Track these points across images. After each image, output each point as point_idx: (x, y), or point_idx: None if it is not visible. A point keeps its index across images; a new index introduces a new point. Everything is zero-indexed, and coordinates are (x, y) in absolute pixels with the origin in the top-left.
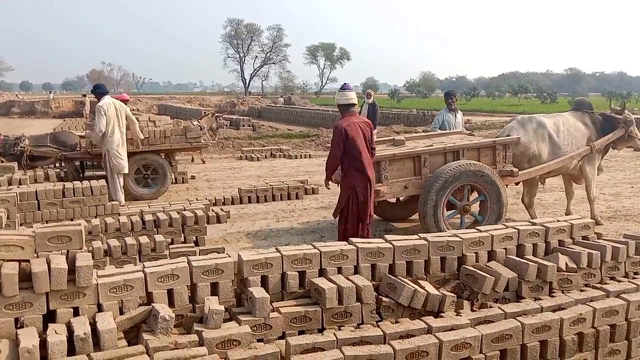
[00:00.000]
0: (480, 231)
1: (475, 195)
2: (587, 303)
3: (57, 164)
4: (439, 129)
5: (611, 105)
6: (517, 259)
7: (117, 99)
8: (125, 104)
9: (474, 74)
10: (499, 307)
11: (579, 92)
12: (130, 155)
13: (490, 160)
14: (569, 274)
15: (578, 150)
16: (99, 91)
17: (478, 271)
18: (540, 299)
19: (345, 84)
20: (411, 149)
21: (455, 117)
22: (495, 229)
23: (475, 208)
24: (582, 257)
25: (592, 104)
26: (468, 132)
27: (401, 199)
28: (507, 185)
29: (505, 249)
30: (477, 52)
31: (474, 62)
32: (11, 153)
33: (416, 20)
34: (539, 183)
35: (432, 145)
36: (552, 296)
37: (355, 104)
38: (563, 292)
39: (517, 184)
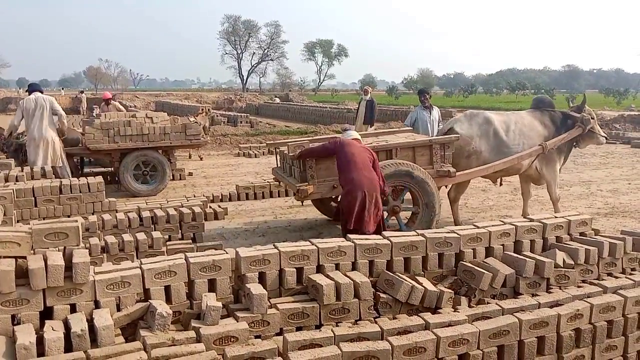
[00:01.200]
0: (478, 227)
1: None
2: (585, 299)
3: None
4: (412, 126)
5: (569, 102)
6: (515, 255)
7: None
8: (109, 102)
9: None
10: (496, 303)
11: (577, 89)
12: (129, 151)
13: (427, 160)
14: (566, 270)
15: (528, 150)
16: (29, 89)
17: (476, 267)
18: (538, 295)
19: (345, 129)
20: None
21: (430, 114)
22: (493, 225)
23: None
24: (580, 253)
25: (553, 101)
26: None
27: None
28: (446, 186)
29: (502, 245)
30: (474, 49)
31: (471, 58)
32: (12, 149)
33: (414, 17)
34: (497, 182)
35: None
36: (550, 292)
37: (358, 139)
38: (560, 288)
39: (497, 182)
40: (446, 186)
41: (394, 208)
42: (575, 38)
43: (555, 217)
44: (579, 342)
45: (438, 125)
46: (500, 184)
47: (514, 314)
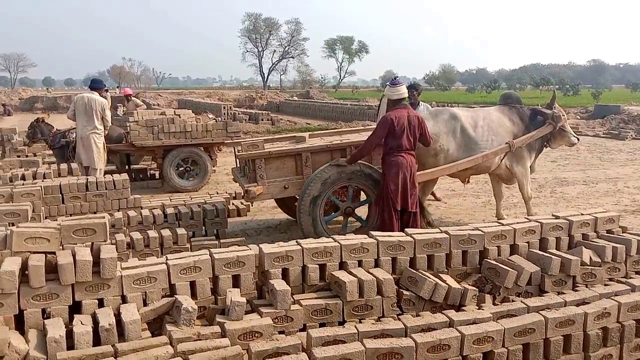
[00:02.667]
0: (503, 225)
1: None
2: (612, 297)
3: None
4: None
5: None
6: (540, 252)
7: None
8: (129, 99)
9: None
10: (521, 301)
11: (602, 84)
12: (172, 148)
13: None
14: (593, 268)
15: (494, 148)
16: (90, 85)
17: (500, 265)
18: (564, 293)
19: (395, 78)
20: (289, 147)
21: (417, 110)
22: (518, 223)
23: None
24: (607, 251)
25: (521, 97)
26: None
27: None
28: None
29: (527, 242)
30: (497, 44)
31: (494, 53)
32: (58, 147)
33: (436, 12)
34: (466, 181)
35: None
36: (576, 290)
37: (405, 98)
38: (587, 287)
39: (465, 181)
40: None
41: (346, 210)
42: (600, 32)
43: (582, 214)
44: (607, 341)
45: None
46: (468, 182)
47: (540, 312)
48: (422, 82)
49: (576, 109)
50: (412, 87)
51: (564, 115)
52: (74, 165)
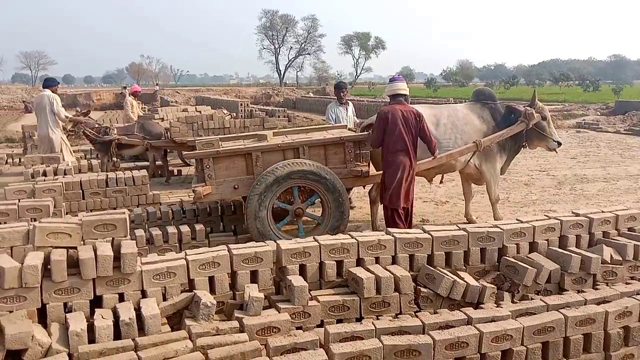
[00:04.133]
0: (522, 222)
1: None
2: (634, 296)
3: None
4: (335, 123)
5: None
6: (560, 250)
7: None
8: (136, 95)
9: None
10: (540, 299)
11: (623, 80)
12: None
13: (341, 160)
14: (613, 266)
15: (459, 147)
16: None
17: (519, 262)
18: (584, 292)
19: (393, 76)
20: (238, 146)
21: (346, 110)
22: (537, 220)
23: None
24: (628, 249)
25: (494, 94)
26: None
27: None
28: (364, 187)
29: (547, 240)
30: (516, 39)
31: (513, 49)
32: (101, 142)
33: (454, 6)
34: (432, 180)
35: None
36: (596, 289)
37: (403, 94)
38: (607, 285)
39: (433, 181)
40: (364, 187)
41: (296, 211)
42: (622, 27)
43: (602, 211)
44: (628, 340)
45: (354, 121)
46: (441, 182)
47: (560, 310)
48: (439, 79)
49: (597, 105)
50: (342, 87)
51: (545, 119)
52: (94, 161)
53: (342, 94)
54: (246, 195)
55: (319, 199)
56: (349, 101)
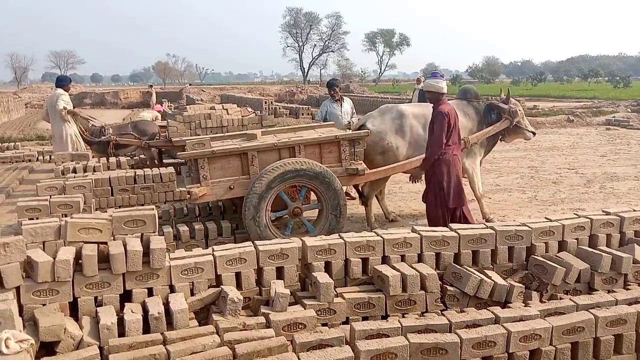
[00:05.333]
0: (551, 220)
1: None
2: None
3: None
4: (323, 121)
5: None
6: (590, 249)
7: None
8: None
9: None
10: (570, 299)
11: None
12: None
13: (335, 158)
14: None
15: None
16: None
17: (548, 262)
18: (615, 292)
19: (436, 72)
20: (235, 146)
21: (341, 107)
22: (567, 219)
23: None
24: None
25: (478, 92)
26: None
27: None
28: (360, 185)
29: (576, 239)
30: (543, 35)
31: (540, 45)
32: (97, 142)
33: (480, 1)
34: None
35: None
36: (628, 289)
37: (444, 93)
38: (639, 285)
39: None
40: (355, 186)
41: (294, 210)
42: None
43: (634, 210)
44: None
45: (352, 118)
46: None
47: (589, 310)
48: (464, 75)
49: (627, 101)
50: (332, 85)
51: (520, 112)
52: (122, 159)
53: (332, 92)
54: (242, 196)
55: (314, 198)
56: (344, 97)
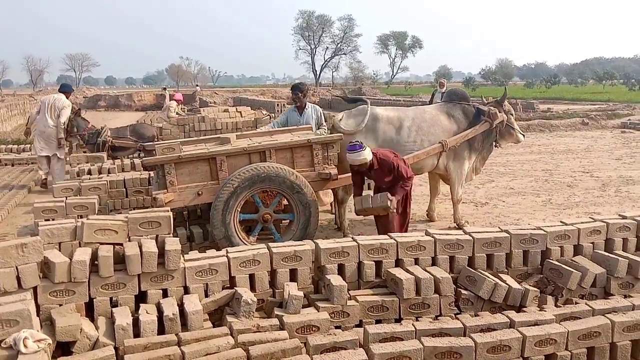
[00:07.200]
0: (566, 224)
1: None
2: None
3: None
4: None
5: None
6: (606, 254)
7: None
8: (179, 101)
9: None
10: (586, 304)
11: None
12: None
13: (308, 162)
14: None
15: (425, 149)
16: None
17: (563, 266)
18: (631, 297)
19: (353, 144)
20: (202, 151)
21: (303, 114)
22: (582, 223)
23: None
24: None
25: (467, 94)
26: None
27: None
28: (336, 190)
29: (592, 243)
30: (557, 37)
31: (554, 47)
32: (93, 143)
33: (494, 3)
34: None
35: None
36: None
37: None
38: None
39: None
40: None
41: (264, 216)
42: None
43: None
44: None
45: (319, 129)
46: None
47: (606, 315)
48: (477, 78)
49: None
50: (296, 88)
51: (512, 115)
52: (136, 161)
53: (294, 97)
54: (211, 202)
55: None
56: (311, 104)
